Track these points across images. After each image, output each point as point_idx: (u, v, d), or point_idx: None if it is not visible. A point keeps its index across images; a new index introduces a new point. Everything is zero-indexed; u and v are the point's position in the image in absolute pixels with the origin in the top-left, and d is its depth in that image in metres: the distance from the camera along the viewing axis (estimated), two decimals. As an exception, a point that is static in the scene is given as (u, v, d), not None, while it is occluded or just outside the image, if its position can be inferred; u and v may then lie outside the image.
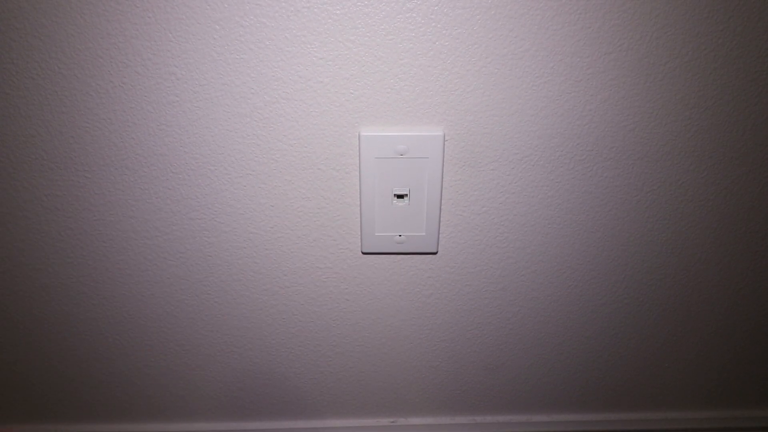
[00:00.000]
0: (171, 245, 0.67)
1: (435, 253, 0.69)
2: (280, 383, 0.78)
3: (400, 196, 0.63)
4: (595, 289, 0.72)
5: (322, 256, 0.68)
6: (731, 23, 0.57)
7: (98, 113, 0.59)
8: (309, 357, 0.76)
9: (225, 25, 0.55)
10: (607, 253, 0.69)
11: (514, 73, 0.58)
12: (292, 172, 0.63)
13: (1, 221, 0.65)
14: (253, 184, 0.63)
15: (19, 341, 0.73)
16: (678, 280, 0.72)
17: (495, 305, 0.73)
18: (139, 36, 0.55)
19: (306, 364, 0.77)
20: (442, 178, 0.63)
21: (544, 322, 0.74)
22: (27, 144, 0.60)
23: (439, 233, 0.66)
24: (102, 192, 0.63)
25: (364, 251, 0.67)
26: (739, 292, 0.73)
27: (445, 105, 0.59)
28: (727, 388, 0.81)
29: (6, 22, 0.55)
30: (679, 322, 0.75)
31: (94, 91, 0.58)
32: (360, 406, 0.81)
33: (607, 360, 0.78)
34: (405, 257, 0.69)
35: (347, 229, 0.66)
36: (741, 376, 0.80)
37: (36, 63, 0.56)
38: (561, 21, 0.56)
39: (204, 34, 0.55)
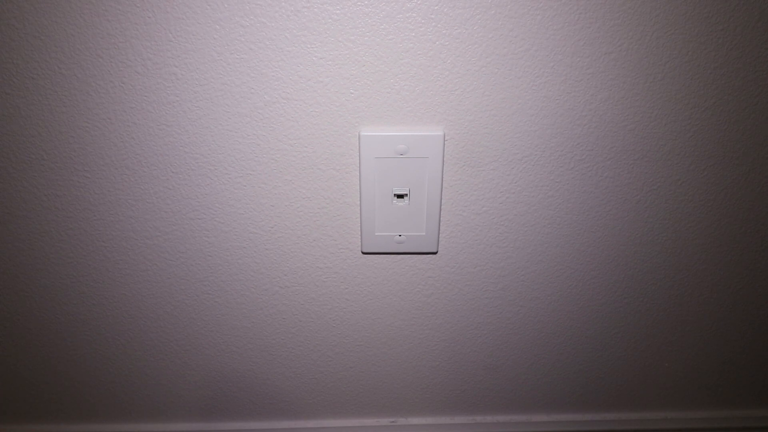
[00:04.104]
0: (171, 245, 0.67)
1: (435, 253, 0.69)
2: (280, 383, 0.78)
3: (400, 196, 0.63)
4: (595, 289, 0.72)
5: (322, 256, 0.68)
6: (731, 23, 0.57)
7: (98, 113, 0.59)
8: (309, 357, 0.76)
9: (225, 25, 0.55)
10: (607, 253, 0.69)
11: (514, 73, 0.58)
12: (292, 172, 0.63)
13: (1, 221, 0.65)
14: (253, 184, 0.63)
15: (19, 341, 0.73)
16: (678, 280, 0.72)
17: (495, 305, 0.73)
18: (139, 36, 0.55)
19: (306, 364, 0.77)
20: (442, 178, 0.63)
21: (544, 322, 0.74)
22: (27, 144, 0.60)
23: (439, 233, 0.66)
24: (102, 192, 0.63)
25: (364, 251, 0.67)
26: (738, 292, 0.73)
27: (445, 105, 0.59)
28: (727, 388, 0.81)
29: (6, 22, 0.55)
30: (679, 322, 0.75)
31: (94, 91, 0.58)
32: (360, 406, 0.81)
33: (607, 360, 0.78)
34: (405, 257, 0.69)
35: (347, 229, 0.67)
36: (741, 376, 0.80)
37: (36, 63, 0.56)
38: (561, 21, 0.56)
39: (204, 34, 0.55)
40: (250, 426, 0.81)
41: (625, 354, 0.77)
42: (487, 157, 0.62)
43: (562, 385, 0.80)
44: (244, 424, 0.81)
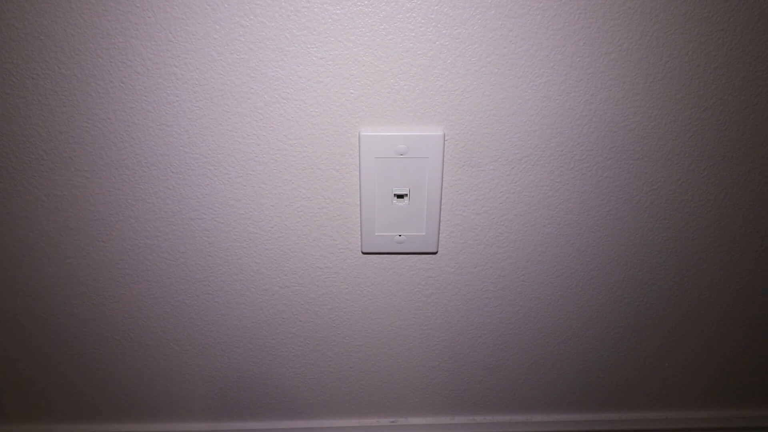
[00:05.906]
0: (171, 245, 0.67)
1: (435, 253, 0.69)
2: (280, 383, 0.78)
3: (400, 196, 0.63)
4: (595, 289, 0.72)
5: (322, 256, 0.68)
6: (731, 23, 0.57)
7: (98, 113, 0.59)
8: (309, 357, 0.76)
9: (225, 25, 0.55)
10: (607, 253, 0.69)
11: (514, 73, 0.58)
12: (292, 172, 0.63)
13: (1, 221, 0.65)
14: (253, 184, 0.63)
15: (19, 341, 0.73)
16: (678, 280, 0.72)
17: (495, 305, 0.73)
18: (139, 36, 0.55)
19: (306, 364, 0.77)
20: (442, 178, 0.63)
21: (544, 322, 0.74)
22: (27, 144, 0.60)
23: (439, 233, 0.66)
24: (102, 192, 0.63)
25: (364, 251, 0.67)
26: (739, 292, 0.73)
27: (445, 105, 0.59)
28: (727, 388, 0.81)
29: (6, 22, 0.55)
30: (679, 322, 0.75)
31: (94, 91, 0.58)
32: (360, 406, 0.81)
33: (607, 360, 0.78)
34: (405, 257, 0.69)
35: (347, 229, 0.67)
36: (741, 376, 0.80)
37: (36, 63, 0.56)
38: (561, 21, 0.56)
39: (204, 34, 0.55)
40: (250, 426, 0.81)
41: (625, 354, 0.77)
42: (487, 157, 0.62)
43: (562, 385, 0.80)
44: (244, 424, 0.81)
